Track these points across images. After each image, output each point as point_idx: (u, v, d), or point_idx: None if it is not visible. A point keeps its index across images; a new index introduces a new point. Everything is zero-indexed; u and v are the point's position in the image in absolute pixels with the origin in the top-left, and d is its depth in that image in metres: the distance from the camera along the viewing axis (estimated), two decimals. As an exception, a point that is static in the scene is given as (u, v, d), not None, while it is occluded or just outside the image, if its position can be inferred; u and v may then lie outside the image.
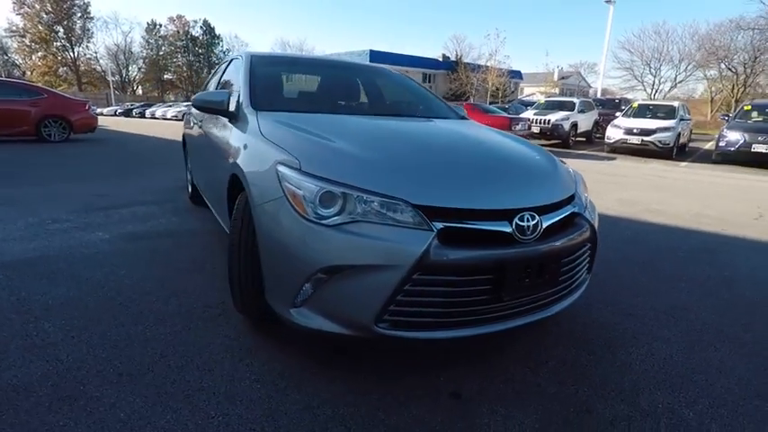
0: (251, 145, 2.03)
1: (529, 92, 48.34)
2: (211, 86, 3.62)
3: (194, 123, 3.62)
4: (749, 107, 11.49)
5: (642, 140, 11.40)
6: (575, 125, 13.73)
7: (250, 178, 1.86)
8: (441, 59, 45.07)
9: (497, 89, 34.78)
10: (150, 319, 2.13)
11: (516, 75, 46.79)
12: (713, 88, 31.09)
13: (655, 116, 12.32)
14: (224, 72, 3.40)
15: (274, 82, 2.89)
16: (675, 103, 12.98)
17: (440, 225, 1.54)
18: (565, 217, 1.80)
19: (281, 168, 1.70)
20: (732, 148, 10.16)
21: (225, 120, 2.56)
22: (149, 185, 5.42)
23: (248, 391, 1.64)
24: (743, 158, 10.09)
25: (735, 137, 10.20)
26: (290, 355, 1.88)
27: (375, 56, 38.02)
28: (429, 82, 42.71)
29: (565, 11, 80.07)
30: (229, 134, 2.40)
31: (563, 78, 52.42)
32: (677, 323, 2.31)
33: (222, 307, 2.25)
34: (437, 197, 1.59)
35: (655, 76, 33.87)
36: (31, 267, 2.68)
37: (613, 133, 11.94)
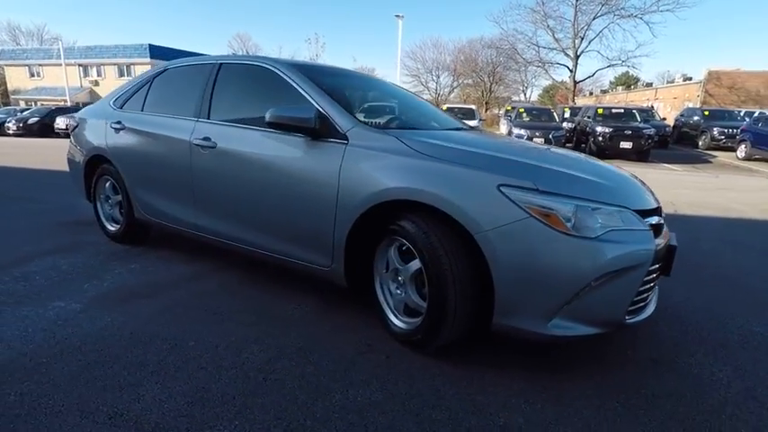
0: (426, 168, 1.91)
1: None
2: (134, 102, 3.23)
3: (168, 142, 2.86)
4: (522, 110, 15.10)
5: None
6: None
7: (460, 204, 1.78)
8: (233, 59, 42.78)
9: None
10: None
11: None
12: (475, 94, 38.93)
13: (465, 117, 14.91)
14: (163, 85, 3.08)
15: (348, 95, 2.62)
16: (473, 106, 15.99)
17: (647, 224, 1.87)
18: None
19: (513, 191, 1.73)
20: (521, 142, 13.25)
21: (298, 140, 2.24)
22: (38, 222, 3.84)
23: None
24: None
25: (521, 133, 13.28)
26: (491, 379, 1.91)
27: (156, 51, 33.54)
28: (223, 82, 40.15)
29: (367, 21, 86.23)
30: (329, 158, 2.13)
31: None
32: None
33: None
34: (633, 202, 1.91)
35: (436, 83, 40.16)
36: None
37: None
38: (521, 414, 1.63)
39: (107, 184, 3.48)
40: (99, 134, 3.39)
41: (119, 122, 3.23)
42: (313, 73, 2.58)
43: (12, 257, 3.10)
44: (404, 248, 2.04)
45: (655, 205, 2.03)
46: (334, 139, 2.19)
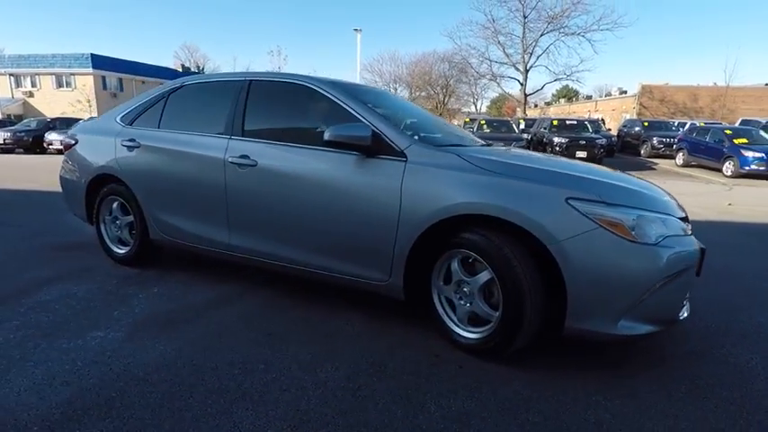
0: (494, 183, 2.01)
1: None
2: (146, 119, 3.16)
3: (201, 162, 2.77)
4: (483, 121, 15.70)
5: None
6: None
7: (533, 217, 1.89)
8: (180, 70, 41.44)
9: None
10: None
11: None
12: (429, 106, 39.93)
13: (499, 130, 15.28)
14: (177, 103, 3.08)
15: (389, 113, 2.67)
16: (508, 118, 16.45)
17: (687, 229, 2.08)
18: None
19: (581, 204, 1.87)
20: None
21: (351, 158, 2.29)
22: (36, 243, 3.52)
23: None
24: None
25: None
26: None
27: (99, 61, 31.80)
28: (171, 94, 38.57)
29: (327, 35, 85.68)
30: (388, 175, 2.19)
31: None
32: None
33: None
34: (673, 210, 2.12)
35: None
36: None
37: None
38: (605, 410, 1.75)
39: (114, 205, 3.30)
40: (106, 152, 3.22)
41: (132, 140, 3.09)
42: (353, 91, 2.62)
43: (15, 286, 2.86)
44: (469, 261, 2.12)
45: (684, 213, 2.25)
46: (389, 156, 2.24)
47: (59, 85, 31.93)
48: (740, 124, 16.58)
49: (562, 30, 25.01)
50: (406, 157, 2.21)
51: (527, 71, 26.43)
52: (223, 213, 2.73)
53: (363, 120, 2.35)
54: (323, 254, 2.44)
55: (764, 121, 15.98)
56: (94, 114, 28.35)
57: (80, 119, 20.25)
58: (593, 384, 1.92)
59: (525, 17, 25.26)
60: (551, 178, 2.01)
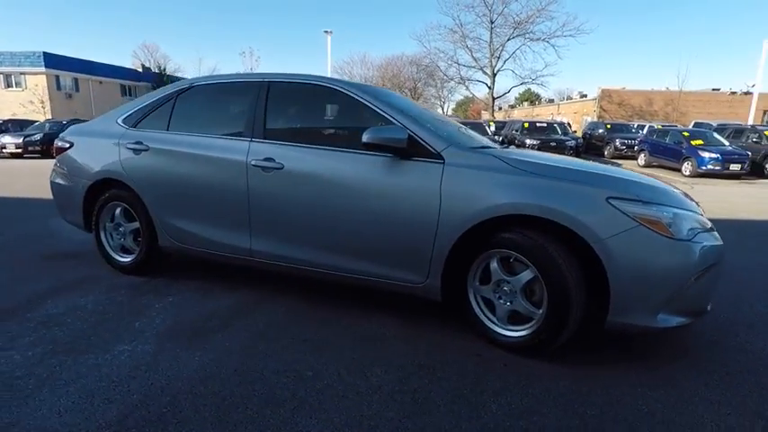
0: (535, 184, 2.06)
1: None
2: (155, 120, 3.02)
3: (221, 165, 2.68)
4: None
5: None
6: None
7: (577, 216, 1.95)
8: (140, 70, 39.84)
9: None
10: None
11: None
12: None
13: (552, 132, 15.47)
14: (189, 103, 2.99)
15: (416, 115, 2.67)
16: (565, 119, 16.57)
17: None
18: None
19: (621, 203, 1.95)
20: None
21: (384, 160, 2.29)
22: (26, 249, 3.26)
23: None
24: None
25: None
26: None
27: (52, 60, 30.08)
28: (129, 95, 36.98)
29: (297, 37, 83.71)
30: (426, 177, 2.21)
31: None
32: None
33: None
34: (696, 208, 2.24)
35: None
36: None
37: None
38: (654, 400, 1.82)
39: (117, 211, 3.14)
40: (108, 156, 3.06)
41: (139, 143, 2.96)
42: (379, 94, 2.62)
43: (15, 300, 2.67)
44: (510, 260, 2.16)
45: (702, 211, 2.38)
46: (425, 158, 2.25)
47: (8, 85, 29.96)
48: (693, 127, 17.66)
49: (527, 35, 25.91)
50: (442, 158, 2.23)
51: (494, 75, 27.14)
52: (244, 218, 2.65)
53: (396, 122, 2.35)
54: (356, 256, 2.42)
55: (715, 125, 17.06)
56: (49, 116, 26.82)
57: (35, 120, 19.10)
58: (634, 377, 2.00)
59: (492, 22, 25.97)
60: (589, 179, 2.08)
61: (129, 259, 3.18)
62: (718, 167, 12.26)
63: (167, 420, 1.62)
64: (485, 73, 27.71)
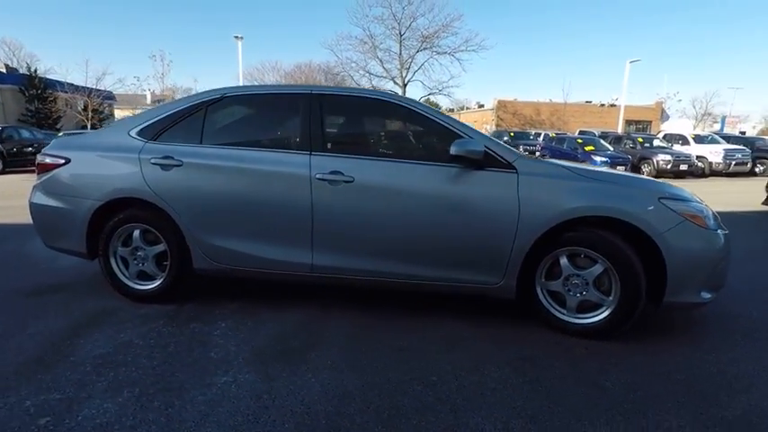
0: (601, 189, 2.38)
1: (123, 114, 44.48)
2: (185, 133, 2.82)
3: (276, 179, 2.58)
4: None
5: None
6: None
7: (642, 215, 2.31)
8: (5, 71, 34.04)
9: (94, 111, 30.20)
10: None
11: (110, 96, 41.81)
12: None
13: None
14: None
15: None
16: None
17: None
18: None
19: (670, 202, 2.36)
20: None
21: (457, 170, 2.45)
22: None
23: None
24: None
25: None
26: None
27: None
28: (-12, 99, 31.30)
29: (206, 41, 75.67)
30: (503, 185, 2.42)
31: (157, 102, 51.19)
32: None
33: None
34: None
35: None
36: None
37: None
38: (723, 362, 2.23)
39: (135, 234, 2.82)
40: (126, 173, 2.74)
41: (168, 157, 2.70)
42: (436, 110, 2.76)
43: (36, 346, 2.29)
44: (581, 256, 2.45)
45: None
46: (497, 168, 2.46)
47: None
48: (579, 134, 20.35)
49: (434, 49, 27.56)
50: (515, 168, 2.45)
51: (405, 85, 28.36)
52: (306, 233, 2.59)
53: (467, 136, 2.52)
54: (433, 264, 2.52)
55: (598, 132, 19.86)
56: None
57: None
58: (688, 347, 2.41)
59: (401, 35, 27.18)
60: (639, 182, 2.47)
61: (150, 286, 2.87)
62: (607, 169, 14.35)
63: (344, 441, 1.59)
64: (395, 83, 28.86)
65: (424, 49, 27.65)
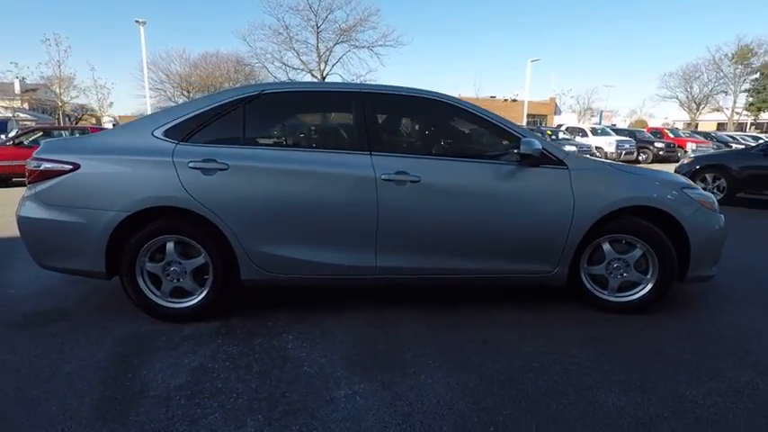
0: (639, 181, 2.69)
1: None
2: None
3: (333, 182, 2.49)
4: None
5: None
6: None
7: (673, 204, 2.66)
8: None
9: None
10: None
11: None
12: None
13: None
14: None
15: None
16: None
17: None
18: None
19: (689, 191, 2.75)
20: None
21: (513, 168, 2.61)
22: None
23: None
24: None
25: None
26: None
27: None
28: None
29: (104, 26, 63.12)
30: (558, 180, 2.61)
31: (29, 91, 44.31)
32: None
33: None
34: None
35: (188, 97, 35.32)
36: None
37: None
38: (736, 324, 2.66)
39: (169, 246, 2.52)
40: (159, 178, 2.43)
41: (210, 160, 2.45)
42: (482, 108, 2.86)
43: (96, 376, 1.96)
44: (623, 242, 2.74)
45: None
46: (550, 165, 2.64)
47: None
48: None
49: (352, 42, 27.49)
50: (566, 165, 2.66)
51: (324, 78, 27.91)
52: (370, 234, 2.55)
53: (523, 136, 2.66)
54: (493, 258, 2.64)
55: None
56: None
57: None
58: (707, 314, 2.83)
59: (318, 27, 26.66)
60: (663, 175, 2.83)
61: (188, 304, 2.59)
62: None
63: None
64: (314, 76, 28.25)
65: (342, 42, 27.51)
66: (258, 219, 2.50)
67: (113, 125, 23.25)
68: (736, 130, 33.34)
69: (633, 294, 2.79)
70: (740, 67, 35.84)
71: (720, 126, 39.51)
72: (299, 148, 2.55)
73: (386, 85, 2.75)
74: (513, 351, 2.30)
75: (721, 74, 37.13)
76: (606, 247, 2.75)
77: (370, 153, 2.55)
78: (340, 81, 24.80)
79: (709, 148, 17.98)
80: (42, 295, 2.99)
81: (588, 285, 2.81)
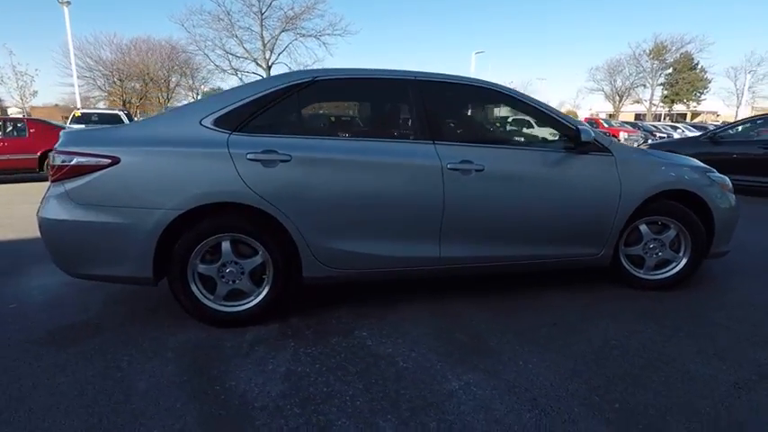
0: (674, 167, 2.88)
1: None
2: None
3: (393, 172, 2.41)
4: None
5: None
6: None
7: (703, 187, 2.87)
8: None
9: None
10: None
11: None
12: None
13: None
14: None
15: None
16: None
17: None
18: None
19: (712, 175, 3.00)
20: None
21: (564, 155, 2.69)
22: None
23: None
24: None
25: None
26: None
27: None
28: None
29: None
30: (607, 166, 2.73)
31: None
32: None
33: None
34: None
35: (122, 87, 32.06)
36: None
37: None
38: (748, 303, 2.94)
39: (225, 246, 2.32)
40: (216, 172, 2.23)
41: (271, 151, 2.28)
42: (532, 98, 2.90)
43: (181, 393, 1.77)
44: (659, 223, 2.92)
45: None
46: (598, 152, 2.75)
47: None
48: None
49: (298, 31, 26.64)
50: (611, 152, 2.78)
51: (269, 67, 26.87)
52: (435, 224, 2.51)
53: (573, 125, 2.73)
54: (548, 242, 2.71)
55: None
56: None
57: None
58: (725, 289, 3.10)
59: (262, 14, 25.51)
60: (689, 161, 3.05)
61: (245, 306, 2.41)
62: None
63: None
64: (258, 65, 27.11)
65: (288, 30, 26.56)
66: (323, 212, 2.37)
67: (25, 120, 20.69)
68: (653, 121, 36.61)
69: (668, 271, 2.99)
70: (656, 62, 39.33)
71: (638, 117, 43.18)
72: (360, 138, 2.44)
73: (437, 73, 2.70)
74: (587, 333, 2.38)
75: (641, 68, 40.56)
76: (643, 228, 2.92)
77: (433, 142, 2.51)
78: (285, 70, 24.13)
79: (638, 136, 19.64)
80: (54, 308, 2.63)
81: (626, 265, 2.98)
